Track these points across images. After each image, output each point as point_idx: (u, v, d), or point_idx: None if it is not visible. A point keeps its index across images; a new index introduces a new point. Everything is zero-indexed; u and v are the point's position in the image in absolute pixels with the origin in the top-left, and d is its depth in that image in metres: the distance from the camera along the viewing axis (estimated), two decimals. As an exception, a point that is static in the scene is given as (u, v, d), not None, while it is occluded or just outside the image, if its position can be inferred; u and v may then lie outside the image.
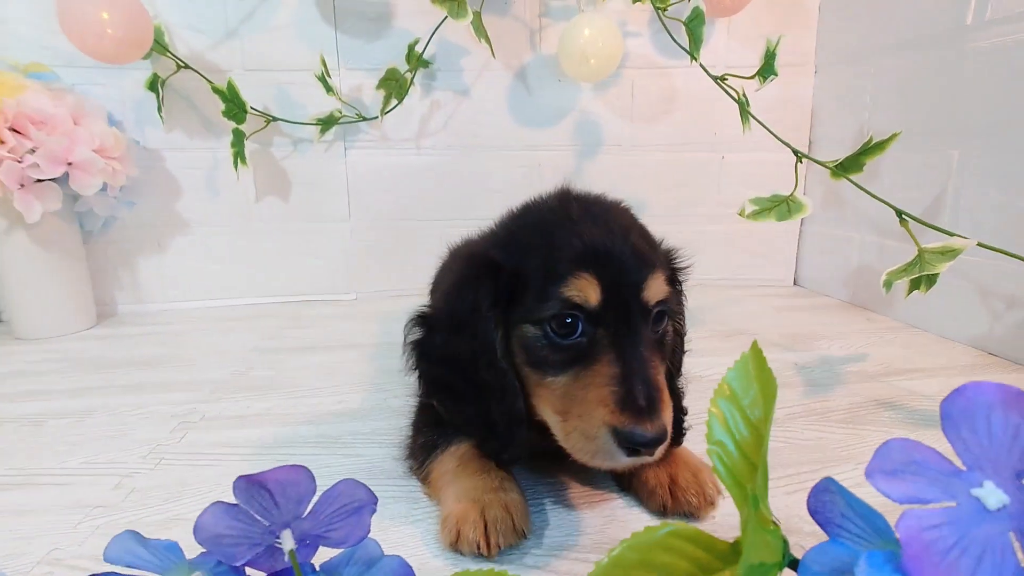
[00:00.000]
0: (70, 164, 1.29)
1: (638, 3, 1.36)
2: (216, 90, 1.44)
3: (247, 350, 1.30)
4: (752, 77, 1.20)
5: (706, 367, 1.14)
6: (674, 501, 0.65)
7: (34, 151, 1.24)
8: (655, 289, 0.63)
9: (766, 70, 1.16)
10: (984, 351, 1.17)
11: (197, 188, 1.60)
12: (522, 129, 1.66)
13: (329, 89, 1.48)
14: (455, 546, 0.60)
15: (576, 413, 0.60)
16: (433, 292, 1.26)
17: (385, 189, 1.66)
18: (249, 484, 0.44)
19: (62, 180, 1.31)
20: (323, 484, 0.48)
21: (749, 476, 0.44)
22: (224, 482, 0.74)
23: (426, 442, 0.75)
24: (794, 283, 1.79)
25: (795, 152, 1.14)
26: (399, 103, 1.51)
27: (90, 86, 1.47)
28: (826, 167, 1.09)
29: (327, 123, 1.54)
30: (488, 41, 1.39)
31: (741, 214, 1.14)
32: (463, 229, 1.58)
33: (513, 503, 0.63)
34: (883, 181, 1.37)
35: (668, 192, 1.73)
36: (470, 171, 1.67)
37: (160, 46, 1.42)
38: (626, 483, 0.72)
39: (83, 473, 0.80)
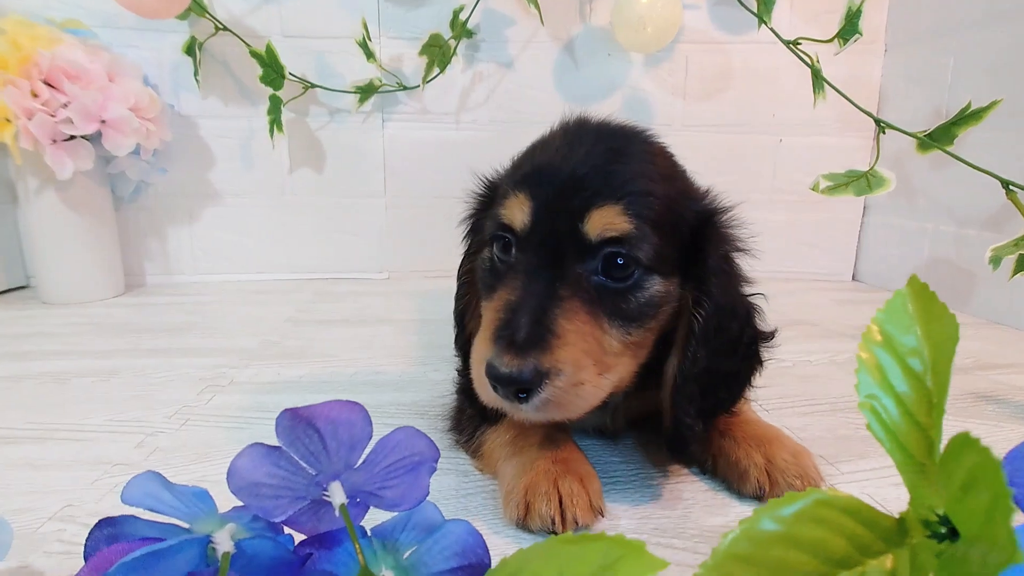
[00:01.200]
0: (103, 122, 1.24)
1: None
2: (254, 54, 1.39)
3: (279, 321, 1.23)
4: (831, 40, 1.11)
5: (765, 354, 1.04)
6: (772, 484, 0.56)
7: (67, 106, 1.19)
8: (600, 221, 0.53)
9: (848, 31, 1.07)
10: (1084, 348, 1.05)
11: (230, 158, 1.55)
12: (568, 105, 1.58)
13: (370, 55, 1.42)
14: (523, 522, 0.52)
15: (478, 337, 0.55)
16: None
17: (423, 164, 1.60)
18: (295, 421, 0.37)
19: (95, 139, 1.27)
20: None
21: (916, 440, 0.35)
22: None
23: (474, 413, 0.67)
24: (852, 278, 1.68)
25: (877, 122, 1.05)
26: (441, 72, 1.44)
27: (126, 48, 1.42)
28: (915, 137, 0.99)
29: (366, 91, 1.48)
30: (537, 6, 1.32)
31: (815, 189, 1.05)
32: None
33: (588, 476, 0.55)
34: (962, 165, 1.26)
35: (720, 176, 1.60)
36: (512, 148, 1.57)
37: (199, 6, 1.37)
38: (710, 466, 0.63)
39: (105, 430, 0.73)
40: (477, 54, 1.54)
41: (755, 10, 1.18)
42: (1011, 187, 0.86)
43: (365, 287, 1.56)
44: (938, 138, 0.98)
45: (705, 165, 1.60)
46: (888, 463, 0.67)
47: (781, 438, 0.60)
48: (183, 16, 1.37)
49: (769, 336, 0.65)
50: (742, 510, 0.57)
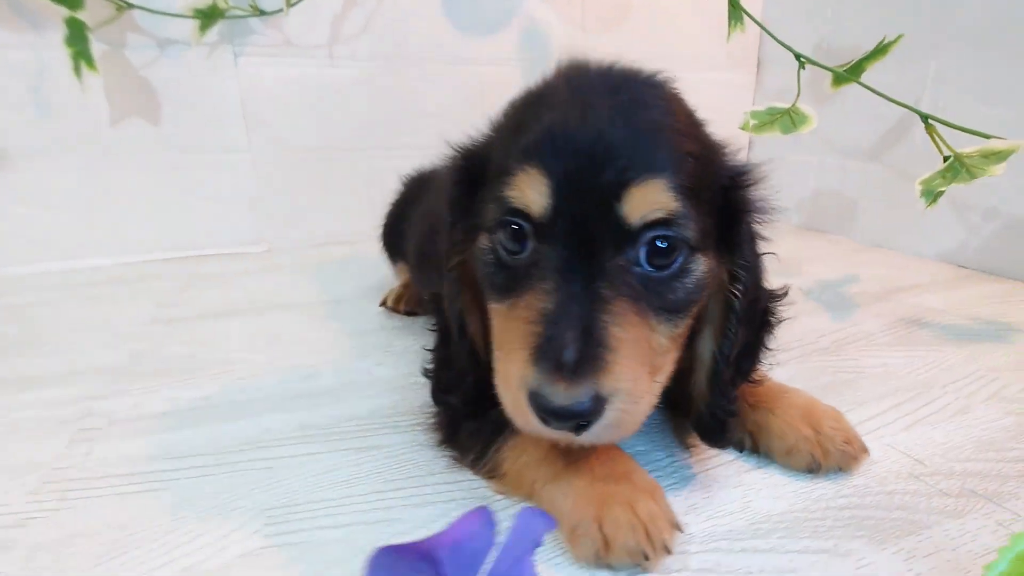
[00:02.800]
0: None
1: None
2: (36, -42, 1.00)
3: (141, 323, 0.96)
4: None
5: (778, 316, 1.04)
6: (826, 455, 0.53)
7: None
8: (642, 200, 0.44)
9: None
10: (956, 264, 1.20)
11: (17, 104, 1.14)
12: (459, 37, 1.39)
13: (212, -32, 1.11)
14: (603, 559, 0.42)
15: (503, 353, 0.46)
16: (384, 230, 1.08)
17: (293, 110, 1.32)
18: (400, 558, 0.23)
19: None
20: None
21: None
22: (205, 510, 0.48)
23: (480, 426, 0.55)
24: (737, 211, 1.77)
25: (797, 56, 1.05)
26: (310, -8, 1.17)
27: None
28: (833, 72, 1.02)
29: (208, 16, 1.16)
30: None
31: (744, 128, 1.04)
32: (391, 161, 1.32)
33: (654, 490, 0.47)
34: (845, 100, 1.35)
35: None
36: (399, 87, 1.38)
37: None
38: (749, 443, 0.58)
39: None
40: (349, -28, 1.28)
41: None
42: (929, 120, 0.90)
43: (241, 264, 1.29)
44: (851, 73, 1.01)
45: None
46: (890, 404, 0.69)
47: (817, 403, 0.58)
48: None
49: (782, 295, 0.62)
50: (799, 486, 0.53)
